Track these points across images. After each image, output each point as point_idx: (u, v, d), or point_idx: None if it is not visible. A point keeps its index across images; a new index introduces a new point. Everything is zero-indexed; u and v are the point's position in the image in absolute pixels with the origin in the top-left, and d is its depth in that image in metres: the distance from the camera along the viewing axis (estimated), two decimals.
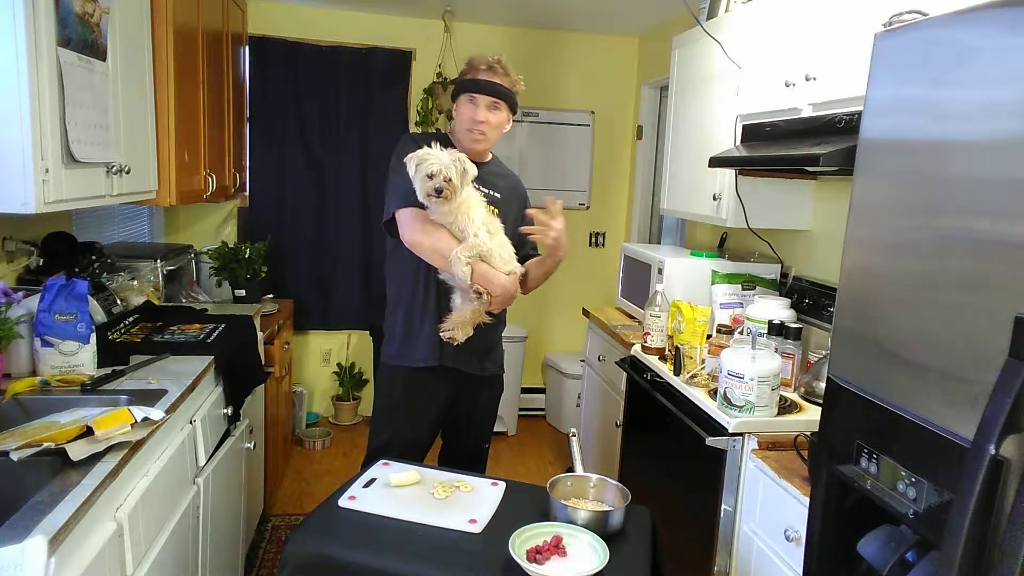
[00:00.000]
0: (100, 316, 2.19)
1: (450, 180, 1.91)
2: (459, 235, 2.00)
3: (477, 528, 1.50)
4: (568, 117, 4.56)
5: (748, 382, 1.89)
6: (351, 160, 4.26)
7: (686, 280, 2.82)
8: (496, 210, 2.15)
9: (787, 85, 2.24)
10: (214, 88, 3.14)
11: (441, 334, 2.09)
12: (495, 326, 2.22)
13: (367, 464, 2.06)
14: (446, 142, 2.11)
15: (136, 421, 1.52)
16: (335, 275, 4.33)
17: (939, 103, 1.15)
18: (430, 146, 1.97)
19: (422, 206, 2.00)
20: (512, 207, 2.22)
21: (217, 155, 3.24)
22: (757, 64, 2.48)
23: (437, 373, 2.18)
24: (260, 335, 2.96)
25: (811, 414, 1.99)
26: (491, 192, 2.16)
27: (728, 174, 2.66)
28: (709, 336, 2.35)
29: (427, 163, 1.91)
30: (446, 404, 2.25)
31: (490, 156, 2.25)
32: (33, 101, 1.66)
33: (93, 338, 1.93)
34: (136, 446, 1.50)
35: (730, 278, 2.77)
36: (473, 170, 1.98)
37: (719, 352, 2.05)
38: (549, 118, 4.53)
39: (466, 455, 2.34)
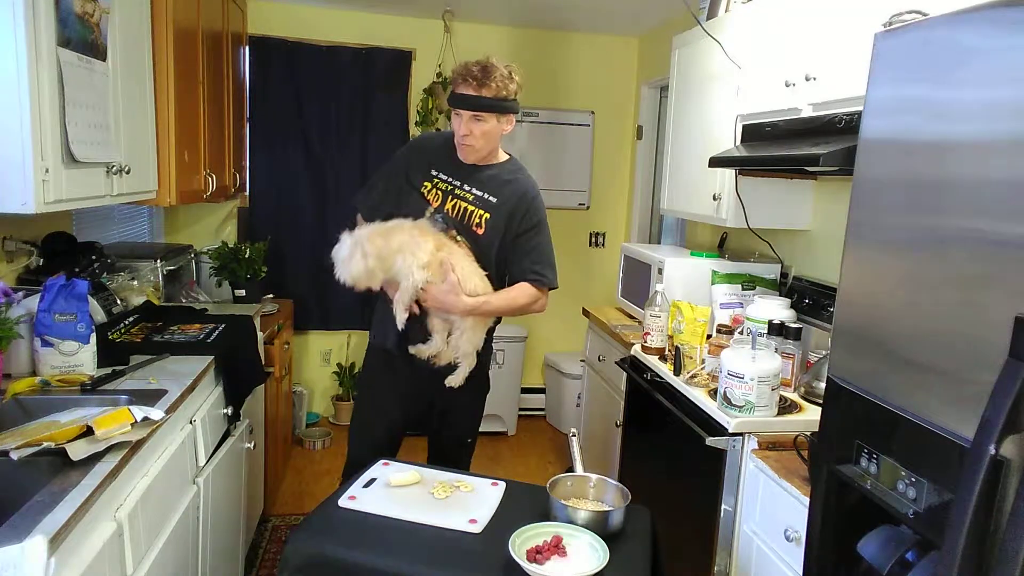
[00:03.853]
0: (100, 316, 2.19)
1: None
2: (394, 276, 2.05)
3: (477, 528, 1.50)
4: (568, 117, 4.56)
5: (748, 382, 1.89)
6: (351, 160, 4.26)
7: (686, 280, 2.81)
8: (488, 214, 2.13)
9: (787, 85, 2.24)
10: (214, 88, 3.14)
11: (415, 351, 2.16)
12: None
13: (352, 445, 2.28)
14: (450, 144, 2.17)
15: (136, 421, 1.52)
16: (335, 275, 4.32)
17: (939, 103, 1.15)
18: (429, 171, 2.14)
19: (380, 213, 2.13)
20: (503, 214, 2.15)
21: (217, 155, 3.24)
22: (757, 64, 2.48)
23: (407, 359, 2.20)
24: (260, 335, 2.96)
25: (811, 414, 1.99)
26: (485, 196, 2.14)
27: (728, 174, 2.66)
28: (709, 336, 2.35)
29: (348, 264, 2.03)
30: (418, 392, 2.25)
31: (505, 157, 2.23)
32: (33, 101, 1.66)
33: (93, 338, 1.93)
34: (136, 446, 1.50)
35: (730, 278, 2.77)
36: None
37: (719, 352, 2.05)
38: (549, 118, 4.53)
39: (446, 451, 2.35)
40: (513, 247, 2.16)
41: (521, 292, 2.15)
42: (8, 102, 1.63)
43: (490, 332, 2.26)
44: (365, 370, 2.37)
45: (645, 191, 4.49)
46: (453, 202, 2.15)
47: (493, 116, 2.06)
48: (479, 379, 2.30)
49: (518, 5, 3.91)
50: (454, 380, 2.17)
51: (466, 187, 2.15)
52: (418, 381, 2.22)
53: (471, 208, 2.14)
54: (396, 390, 2.27)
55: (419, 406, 2.28)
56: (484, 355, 2.28)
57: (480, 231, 2.13)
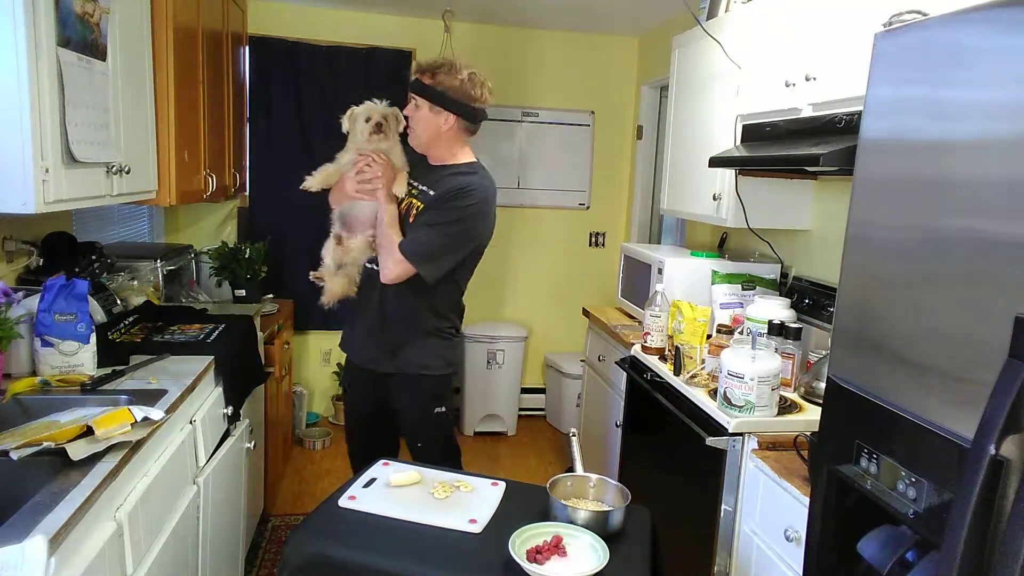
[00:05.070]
0: (100, 316, 2.19)
1: (386, 120, 2.17)
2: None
3: (477, 528, 1.50)
4: (568, 117, 4.56)
5: (748, 382, 1.89)
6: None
7: (686, 280, 2.82)
8: (423, 205, 2.17)
9: (787, 85, 2.24)
10: (214, 88, 3.14)
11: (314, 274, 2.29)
12: (394, 325, 2.21)
13: (350, 445, 2.46)
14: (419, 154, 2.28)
15: (136, 421, 1.52)
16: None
17: (939, 103, 1.15)
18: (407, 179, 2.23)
19: None
20: (433, 202, 2.16)
21: (217, 155, 3.24)
22: (757, 64, 2.48)
23: (359, 367, 2.34)
24: (260, 335, 2.96)
25: (811, 414, 1.99)
26: (428, 190, 2.18)
27: (728, 174, 2.66)
28: (709, 336, 2.35)
29: (363, 110, 2.21)
30: (371, 394, 2.32)
31: (466, 160, 2.21)
32: (33, 101, 1.66)
33: (93, 338, 1.93)
34: (136, 446, 1.50)
35: (730, 278, 2.77)
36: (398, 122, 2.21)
37: (719, 352, 2.05)
38: (549, 118, 4.53)
39: (412, 455, 2.32)
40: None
41: (393, 245, 2.11)
42: (8, 102, 1.63)
43: (443, 336, 2.26)
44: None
45: (645, 191, 4.49)
46: (407, 200, 2.20)
47: (426, 104, 2.13)
48: (423, 380, 2.24)
49: (517, 5, 3.91)
50: (325, 297, 2.29)
51: (418, 185, 2.21)
52: (371, 384, 2.30)
53: (413, 201, 2.19)
54: (355, 397, 2.43)
55: (379, 408, 2.33)
56: (430, 359, 2.22)
57: (411, 220, 2.16)
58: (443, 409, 2.29)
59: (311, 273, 2.30)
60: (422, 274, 2.10)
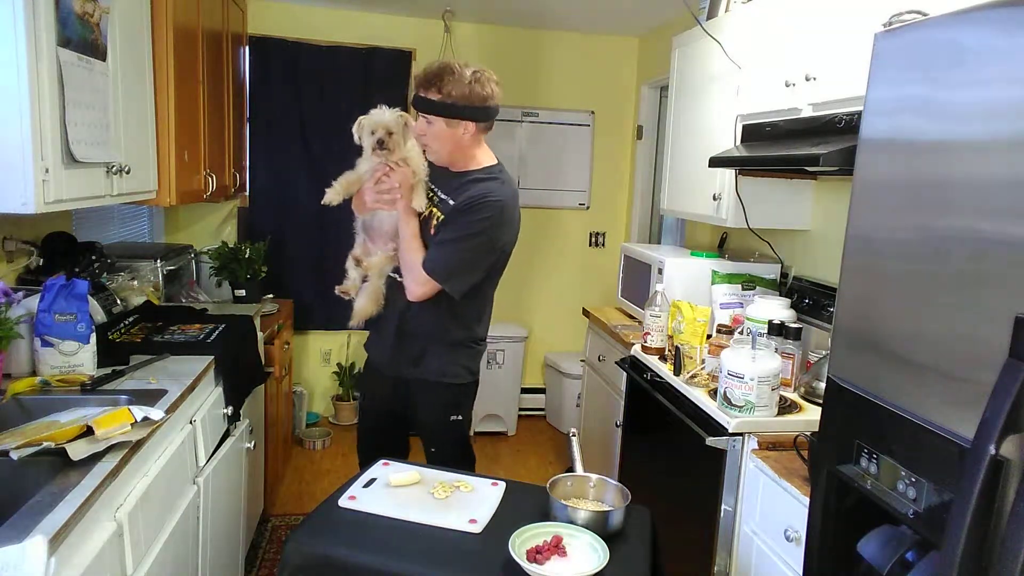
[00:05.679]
0: (100, 316, 2.19)
1: (391, 134, 2.08)
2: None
3: (477, 528, 1.50)
4: (568, 117, 4.56)
5: (748, 382, 1.89)
6: (351, 160, 4.21)
7: (686, 280, 2.82)
8: (443, 216, 2.11)
9: (787, 85, 2.24)
10: (214, 88, 3.14)
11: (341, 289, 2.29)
12: (417, 334, 2.18)
13: (361, 445, 2.43)
14: None
15: (136, 421, 1.52)
16: (335, 275, 4.32)
17: (939, 103, 1.15)
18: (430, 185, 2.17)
19: None
20: (454, 212, 2.11)
21: (217, 155, 3.24)
22: (757, 64, 2.48)
23: (376, 365, 2.33)
24: (260, 335, 2.96)
25: (811, 414, 1.99)
26: (448, 199, 2.12)
27: (728, 174, 2.66)
28: (709, 336, 2.35)
29: (368, 122, 2.13)
30: (387, 395, 2.30)
31: (487, 163, 2.16)
32: (33, 101, 1.66)
33: (93, 338, 1.93)
34: (136, 446, 1.50)
35: (730, 278, 2.77)
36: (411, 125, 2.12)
37: (719, 352, 2.05)
38: (549, 118, 4.53)
39: (427, 459, 2.30)
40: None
41: (416, 263, 2.09)
42: (8, 102, 1.63)
43: (466, 345, 2.22)
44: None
45: (645, 191, 4.49)
46: (429, 209, 2.14)
47: (440, 119, 2.04)
48: (444, 388, 2.21)
49: (518, 5, 3.91)
50: (353, 320, 2.27)
51: (439, 193, 2.16)
52: (390, 388, 2.26)
53: (434, 211, 2.13)
54: (373, 399, 2.39)
55: (395, 412, 2.31)
56: (451, 368, 2.20)
57: (432, 232, 2.11)
58: (459, 417, 2.26)
59: (337, 288, 2.27)
60: (448, 291, 2.07)
